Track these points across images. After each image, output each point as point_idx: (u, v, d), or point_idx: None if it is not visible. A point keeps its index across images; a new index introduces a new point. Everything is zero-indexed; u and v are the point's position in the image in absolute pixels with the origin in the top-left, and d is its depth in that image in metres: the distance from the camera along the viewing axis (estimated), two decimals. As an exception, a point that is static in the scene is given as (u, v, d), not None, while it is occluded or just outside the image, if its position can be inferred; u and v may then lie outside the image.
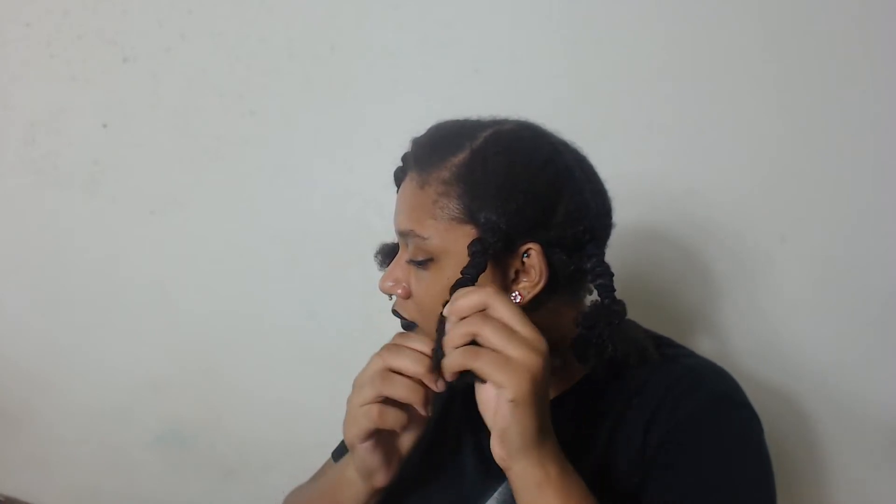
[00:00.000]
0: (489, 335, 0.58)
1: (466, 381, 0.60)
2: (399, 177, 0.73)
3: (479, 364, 0.57)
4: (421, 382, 0.63)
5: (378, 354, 0.65)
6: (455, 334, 0.59)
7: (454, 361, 0.59)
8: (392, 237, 0.74)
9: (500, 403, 0.58)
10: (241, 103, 1.19)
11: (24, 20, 1.21)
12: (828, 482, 1.07)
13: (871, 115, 1.01)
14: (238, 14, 1.17)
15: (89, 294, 1.27)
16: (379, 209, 1.13)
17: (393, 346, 0.65)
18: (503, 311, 0.59)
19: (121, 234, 1.25)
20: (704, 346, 1.08)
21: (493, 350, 0.58)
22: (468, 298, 0.60)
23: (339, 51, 1.16)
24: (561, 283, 0.68)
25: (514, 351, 0.57)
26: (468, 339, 0.59)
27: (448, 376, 0.60)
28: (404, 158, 0.73)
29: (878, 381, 1.03)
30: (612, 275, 0.68)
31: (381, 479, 0.69)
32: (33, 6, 1.21)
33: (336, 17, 1.15)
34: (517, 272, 0.67)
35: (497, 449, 0.59)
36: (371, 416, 0.64)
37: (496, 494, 0.70)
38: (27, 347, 1.30)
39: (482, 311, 0.59)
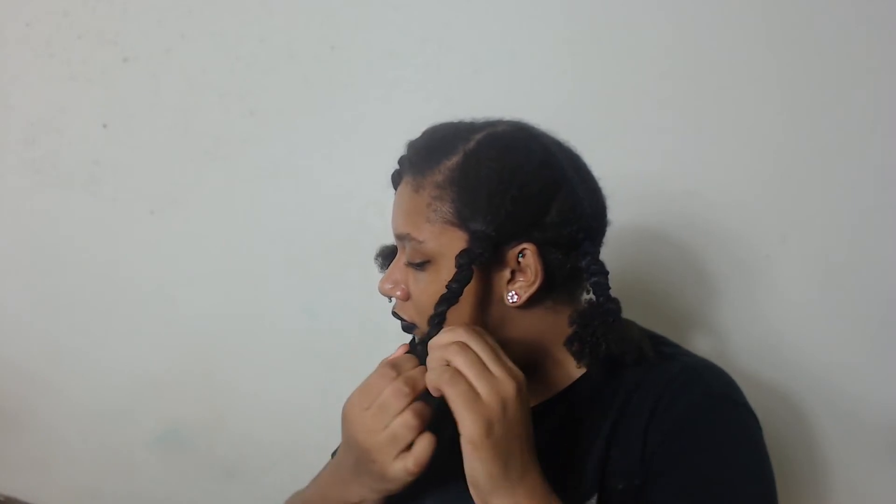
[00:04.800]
0: (461, 365, 0.58)
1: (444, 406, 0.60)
2: (395, 180, 0.74)
3: (451, 392, 0.57)
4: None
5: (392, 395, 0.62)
6: (432, 358, 0.60)
7: (431, 380, 0.59)
8: (391, 238, 0.74)
9: (462, 447, 0.58)
10: (241, 103, 1.19)
11: (24, 20, 1.21)
12: (827, 482, 1.07)
13: (872, 115, 1.01)
14: (238, 14, 1.17)
15: (89, 294, 1.27)
16: (379, 209, 1.13)
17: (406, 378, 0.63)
18: (478, 347, 0.59)
19: (121, 234, 1.25)
20: (704, 347, 1.08)
21: (468, 382, 0.58)
22: (444, 338, 0.61)
23: (339, 51, 1.16)
24: (557, 282, 0.69)
25: (482, 388, 0.58)
26: (443, 363, 0.59)
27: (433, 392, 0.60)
28: (400, 162, 0.73)
29: (879, 381, 1.03)
30: (607, 273, 0.68)
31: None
32: (33, 6, 1.21)
33: (336, 17, 1.15)
34: (513, 272, 0.68)
35: (474, 497, 0.60)
36: (417, 467, 0.60)
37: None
38: (27, 347, 1.30)
39: (461, 343, 0.60)
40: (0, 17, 1.22)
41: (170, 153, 1.22)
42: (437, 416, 0.73)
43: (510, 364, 0.60)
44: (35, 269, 1.28)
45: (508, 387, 0.58)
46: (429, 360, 0.61)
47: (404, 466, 0.60)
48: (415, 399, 0.60)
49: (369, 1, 1.14)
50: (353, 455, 0.65)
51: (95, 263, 1.26)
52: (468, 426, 0.56)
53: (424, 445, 0.60)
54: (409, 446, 0.60)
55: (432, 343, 0.61)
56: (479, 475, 0.58)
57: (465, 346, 0.59)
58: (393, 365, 0.63)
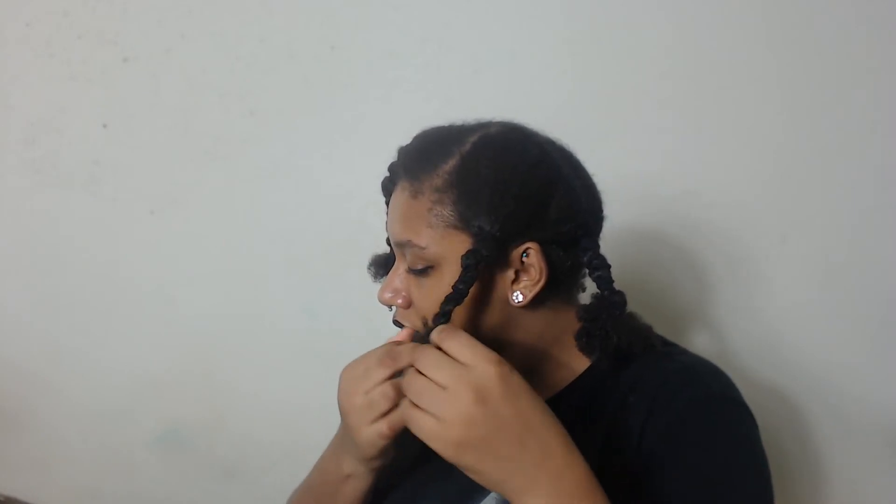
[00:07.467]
0: (416, 398, 0.57)
1: None
2: (388, 187, 0.74)
3: (416, 430, 0.57)
4: None
5: (375, 367, 0.65)
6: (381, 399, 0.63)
7: (397, 420, 0.61)
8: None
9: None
10: (241, 103, 1.19)
11: (24, 20, 1.21)
12: (827, 482, 1.07)
13: (873, 115, 1.01)
14: (238, 14, 1.17)
15: (89, 294, 1.27)
16: (379, 209, 1.12)
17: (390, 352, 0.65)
18: (426, 363, 0.57)
19: (121, 234, 1.25)
20: (704, 347, 1.08)
21: (417, 417, 0.56)
22: (398, 360, 0.62)
23: (339, 51, 1.16)
24: (560, 280, 0.69)
25: (439, 409, 0.55)
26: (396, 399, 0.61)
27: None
28: (392, 168, 0.73)
29: (879, 381, 1.03)
30: (609, 266, 0.69)
31: (386, 462, 0.70)
32: (33, 6, 1.21)
33: (336, 17, 1.15)
34: (517, 272, 0.68)
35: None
36: (390, 431, 0.63)
37: (493, 493, 0.70)
38: (27, 347, 1.30)
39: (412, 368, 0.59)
40: (0, 17, 1.22)
41: (170, 153, 1.22)
42: None
43: (472, 357, 0.56)
44: (35, 269, 1.28)
45: (462, 396, 0.55)
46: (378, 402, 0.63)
47: (378, 430, 0.63)
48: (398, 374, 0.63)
49: (369, 1, 1.14)
50: (342, 422, 0.68)
51: (95, 263, 1.26)
52: (445, 453, 0.56)
53: (400, 414, 0.61)
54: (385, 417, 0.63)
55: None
56: (488, 484, 0.57)
57: (413, 375, 0.58)
58: (394, 343, 0.66)
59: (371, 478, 0.72)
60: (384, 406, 0.63)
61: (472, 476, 0.57)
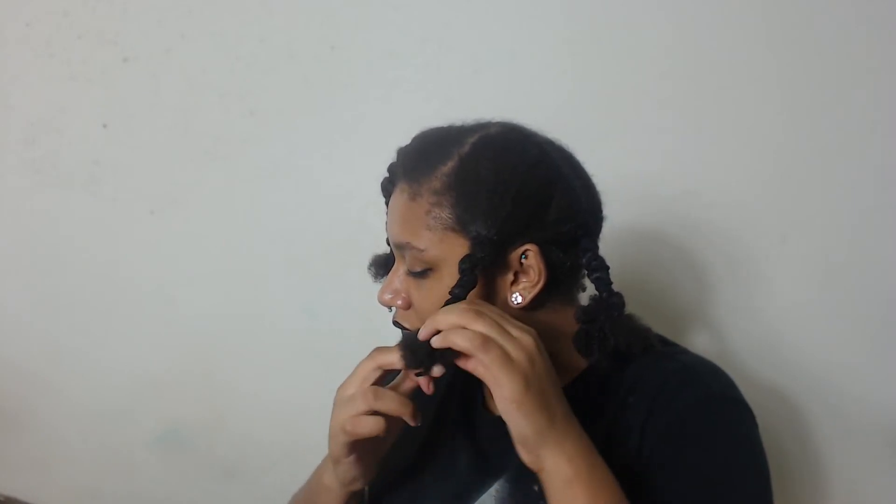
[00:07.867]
0: (484, 329, 0.59)
1: (446, 365, 0.62)
2: (387, 188, 0.74)
3: (486, 357, 0.58)
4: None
5: (364, 360, 0.65)
6: (442, 320, 0.61)
7: (460, 346, 0.59)
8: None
9: (504, 408, 0.59)
10: (241, 103, 1.19)
11: (24, 20, 1.22)
12: (826, 483, 1.07)
13: (873, 115, 1.01)
14: (238, 14, 1.17)
15: (89, 294, 1.27)
16: (379, 209, 1.12)
17: (379, 349, 0.66)
18: (489, 310, 0.61)
19: (121, 234, 1.25)
20: (704, 347, 1.08)
21: (499, 346, 0.59)
22: (447, 318, 0.61)
23: (339, 51, 1.16)
24: (560, 281, 0.69)
25: (510, 348, 0.59)
26: (455, 328, 0.60)
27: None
28: (391, 169, 0.73)
29: (879, 381, 1.03)
30: (608, 268, 0.69)
31: (360, 484, 0.71)
32: (33, 6, 1.21)
33: (336, 17, 1.15)
34: (516, 274, 0.68)
35: (523, 455, 0.61)
36: (352, 428, 0.64)
37: (491, 490, 0.71)
38: (27, 347, 1.30)
39: (475, 309, 0.61)
40: (0, 17, 1.22)
41: (170, 153, 1.22)
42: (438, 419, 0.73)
43: (519, 322, 0.62)
44: (35, 269, 1.28)
45: (529, 342, 0.60)
46: (439, 319, 0.61)
47: (341, 423, 0.64)
48: (389, 379, 0.65)
49: (369, 1, 1.14)
50: None
51: (95, 263, 1.26)
52: (508, 386, 0.58)
53: (371, 422, 0.63)
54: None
55: (444, 310, 0.62)
56: (527, 431, 0.59)
57: (480, 312, 0.60)
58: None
59: (343, 497, 0.72)
60: (360, 406, 0.64)
61: (520, 426, 0.59)
